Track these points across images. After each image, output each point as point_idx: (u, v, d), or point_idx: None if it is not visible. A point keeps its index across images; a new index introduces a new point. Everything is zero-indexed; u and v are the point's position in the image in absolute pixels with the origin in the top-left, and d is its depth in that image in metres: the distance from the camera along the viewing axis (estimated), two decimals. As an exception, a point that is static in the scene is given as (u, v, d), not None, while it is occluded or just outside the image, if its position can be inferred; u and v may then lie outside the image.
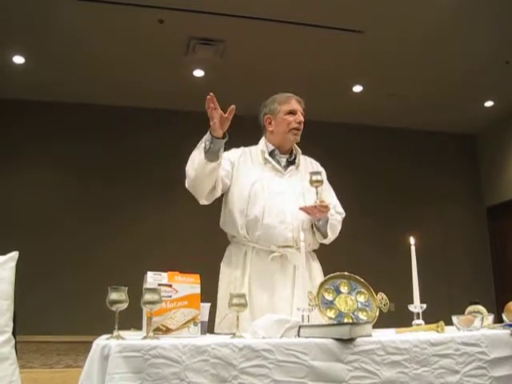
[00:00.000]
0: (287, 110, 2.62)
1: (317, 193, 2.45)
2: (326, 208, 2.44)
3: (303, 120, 2.64)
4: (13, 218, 6.93)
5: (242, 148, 2.73)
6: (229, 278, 2.55)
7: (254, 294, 2.44)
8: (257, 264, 2.49)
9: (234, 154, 2.65)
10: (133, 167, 7.56)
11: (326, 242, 2.62)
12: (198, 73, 6.80)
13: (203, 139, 2.33)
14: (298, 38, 5.92)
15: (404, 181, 8.37)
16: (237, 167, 2.59)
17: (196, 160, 2.33)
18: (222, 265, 2.64)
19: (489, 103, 7.73)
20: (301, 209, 2.46)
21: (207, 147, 2.30)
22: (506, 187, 8.18)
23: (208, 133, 2.31)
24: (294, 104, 2.64)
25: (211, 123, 2.27)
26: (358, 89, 7.27)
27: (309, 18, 5.60)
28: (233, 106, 2.27)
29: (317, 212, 2.44)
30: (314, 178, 2.44)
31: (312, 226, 2.56)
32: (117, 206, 7.36)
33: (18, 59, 6.33)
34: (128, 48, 6.17)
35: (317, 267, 2.61)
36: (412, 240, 2.14)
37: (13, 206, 7.05)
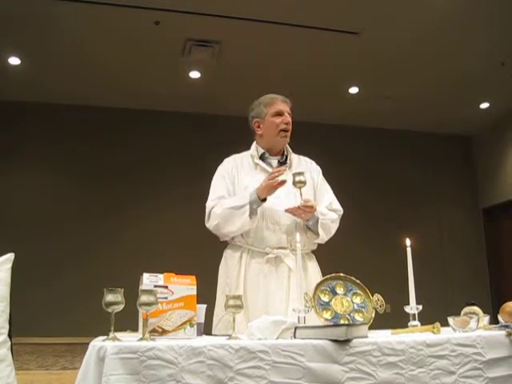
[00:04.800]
0: (274, 112, 2.62)
1: (300, 194, 2.46)
2: (311, 208, 2.45)
3: (291, 120, 2.63)
4: (10, 219, 6.90)
5: (233, 156, 2.74)
6: (225, 280, 2.56)
7: (249, 296, 2.45)
8: (252, 266, 2.50)
9: (227, 166, 2.68)
10: (131, 169, 7.55)
11: (320, 241, 2.61)
12: (194, 74, 6.80)
13: (245, 202, 2.44)
14: (293, 39, 5.93)
15: (400, 182, 8.38)
16: (233, 180, 2.62)
17: (238, 222, 2.44)
18: (220, 267, 2.65)
19: (484, 105, 7.76)
20: (286, 211, 2.47)
21: (252, 209, 2.44)
22: (502, 188, 8.20)
23: (256, 197, 2.44)
24: (280, 105, 2.64)
25: (271, 189, 2.43)
26: (354, 90, 7.28)
27: (305, 20, 5.60)
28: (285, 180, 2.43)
29: (302, 213, 2.45)
30: (297, 178, 2.44)
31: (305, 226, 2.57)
32: (115, 207, 7.35)
33: (14, 60, 6.31)
34: (124, 49, 6.17)
35: (314, 268, 2.61)
36: (408, 241, 2.14)
37: (10, 207, 7.03)
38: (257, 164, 2.64)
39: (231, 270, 2.54)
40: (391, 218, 7.99)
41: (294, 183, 2.44)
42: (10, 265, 1.95)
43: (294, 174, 2.45)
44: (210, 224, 2.54)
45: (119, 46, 6.10)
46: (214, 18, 5.53)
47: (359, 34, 5.86)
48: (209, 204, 2.57)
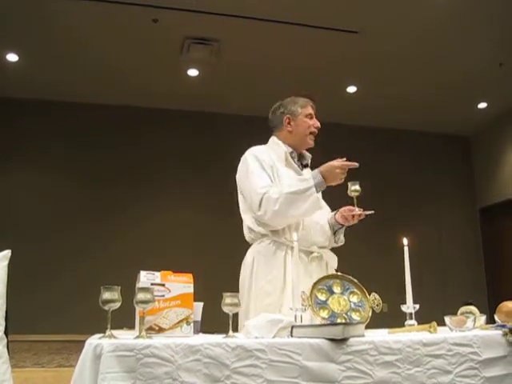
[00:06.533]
0: (307, 114, 2.75)
1: (355, 202, 2.53)
2: (361, 217, 2.59)
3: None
4: (10, 219, 6.88)
5: (259, 147, 2.74)
6: (265, 278, 2.52)
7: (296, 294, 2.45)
8: (296, 264, 2.50)
9: (264, 154, 2.66)
10: (131, 168, 7.52)
11: (340, 244, 2.78)
12: (193, 72, 6.78)
13: (310, 184, 2.44)
14: (292, 37, 5.92)
15: (397, 181, 8.37)
16: (271, 169, 2.60)
17: (303, 206, 2.44)
18: (254, 264, 2.59)
19: (482, 105, 7.76)
20: (342, 214, 2.60)
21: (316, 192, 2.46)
22: (500, 188, 8.21)
23: (321, 179, 2.45)
24: (311, 110, 2.78)
25: (336, 179, 2.48)
26: (352, 89, 7.28)
27: (304, 18, 5.60)
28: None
29: (351, 219, 2.59)
30: (353, 187, 2.48)
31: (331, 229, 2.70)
32: (115, 207, 7.31)
33: (12, 57, 6.29)
34: (122, 47, 6.16)
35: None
36: (405, 240, 2.15)
37: (10, 207, 7.01)
38: (287, 159, 2.67)
39: (275, 267, 2.51)
40: (388, 216, 7.96)
41: (350, 191, 2.48)
42: (6, 262, 1.95)
43: (350, 183, 2.50)
44: (266, 210, 2.45)
45: (117, 43, 6.08)
46: (212, 16, 5.53)
47: (359, 33, 5.86)
48: (259, 191, 2.49)
